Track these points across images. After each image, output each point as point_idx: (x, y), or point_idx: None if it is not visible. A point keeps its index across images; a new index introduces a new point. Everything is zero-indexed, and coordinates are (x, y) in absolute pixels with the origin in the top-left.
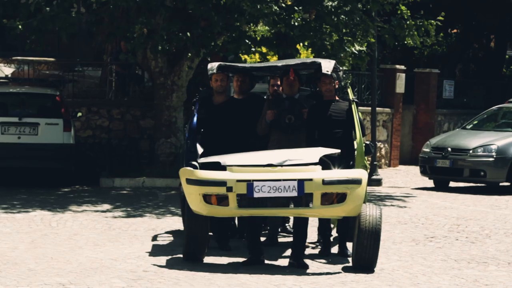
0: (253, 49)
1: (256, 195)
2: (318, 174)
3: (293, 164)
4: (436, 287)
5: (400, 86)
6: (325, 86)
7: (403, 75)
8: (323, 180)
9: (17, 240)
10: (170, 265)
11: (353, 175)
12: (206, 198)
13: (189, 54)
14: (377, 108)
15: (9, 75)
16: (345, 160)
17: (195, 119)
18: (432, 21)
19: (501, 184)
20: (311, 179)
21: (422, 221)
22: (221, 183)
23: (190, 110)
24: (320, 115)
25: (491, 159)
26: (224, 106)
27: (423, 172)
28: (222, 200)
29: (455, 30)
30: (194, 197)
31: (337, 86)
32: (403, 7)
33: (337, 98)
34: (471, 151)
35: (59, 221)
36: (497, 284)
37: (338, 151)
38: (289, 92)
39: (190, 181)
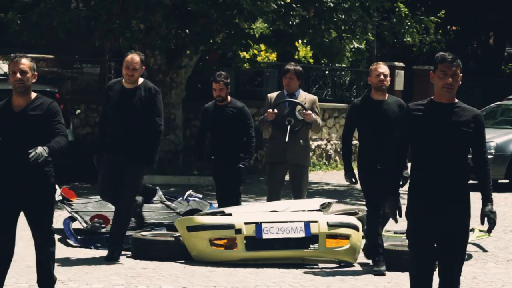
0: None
1: (265, 236)
2: (322, 216)
3: (296, 210)
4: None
5: (399, 83)
6: (443, 79)
7: (402, 72)
8: (327, 222)
9: (16, 237)
10: (169, 262)
11: (352, 220)
12: (213, 243)
13: (188, 51)
14: None
15: (8, 72)
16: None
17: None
18: (433, 17)
19: (499, 181)
20: (316, 221)
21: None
22: (229, 226)
23: (189, 107)
24: (431, 126)
25: (489, 156)
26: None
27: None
28: (229, 244)
29: (454, 28)
30: (199, 243)
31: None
32: (401, 5)
33: (456, 100)
34: None
35: (58, 218)
36: (496, 281)
37: (335, 200)
38: (289, 89)
39: (194, 228)
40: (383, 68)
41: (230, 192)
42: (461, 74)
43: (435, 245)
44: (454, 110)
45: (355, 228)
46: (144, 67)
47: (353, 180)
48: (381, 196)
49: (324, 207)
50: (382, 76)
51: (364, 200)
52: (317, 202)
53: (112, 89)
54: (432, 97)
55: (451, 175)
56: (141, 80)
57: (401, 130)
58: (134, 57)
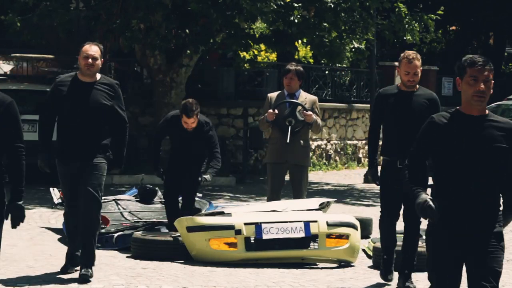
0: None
1: (265, 236)
2: (321, 216)
3: (295, 210)
4: None
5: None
6: (473, 86)
7: None
8: (327, 222)
9: (16, 237)
10: (169, 262)
11: (351, 219)
12: (213, 243)
13: (188, 51)
14: None
15: (8, 72)
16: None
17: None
18: (432, 15)
19: None
20: (316, 221)
21: (420, 218)
22: (229, 226)
23: None
24: (459, 142)
25: None
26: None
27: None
28: (228, 245)
29: (454, 28)
30: (198, 244)
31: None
32: (401, 5)
33: (487, 112)
34: None
35: (58, 218)
36: None
37: (334, 199)
38: (289, 90)
39: (193, 229)
40: (414, 65)
41: (184, 200)
42: (493, 81)
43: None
44: (486, 123)
45: (354, 227)
46: (103, 59)
47: (375, 178)
48: (399, 199)
49: (323, 207)
50: (410, 76)
51: (379, 202)
52: (316, 201)
53: (63, 84)
54: (458, 108)
55: (480, 197)
56: (99, 75)
57: (420, 142)
58: (93, 46)
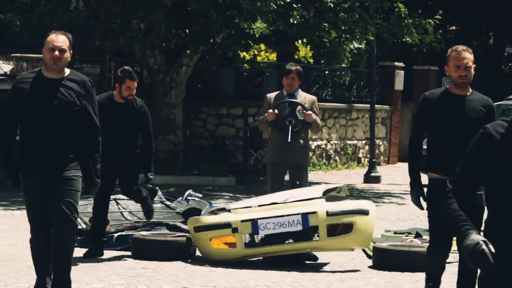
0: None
1: (261, 232)
2: (322, 206)
3: (296, 200)
4: None
5: (399, 83)
6: None
7: (402, 72)
8: (327, 212)
9: (16, 237)
10: (169, 262)
11: (358, 205)
12: (213, 242)
13: (188, 51)
14: (376, 105)
15: (8, 72)
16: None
17: None
18: (430, 20)
19: None
20: (315, 212)
21: (421, 218)
22: (226, 225)
23: (189, 107)
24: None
25: None
26: None
27: (422, 169)
28: (228, 243)
29: (454, 28)
30: (203, 243)
31: None
32: (401, 5)
33: None
34: None
35: None
36: None
37: (341, 185)
38: (290, 90)
39: (198, 228)
40: (463, 57)
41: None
42: None
43: None
44: None
45: (361, 213)
46: (71, 51)
47: (421, 199)
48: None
49: (338, 192)
50: (462, 70)
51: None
52: (320, 188)
53: (25, 81)
54: None
55: None
56: (67, 70)
57: (471, 160)
58: (60, 35)
